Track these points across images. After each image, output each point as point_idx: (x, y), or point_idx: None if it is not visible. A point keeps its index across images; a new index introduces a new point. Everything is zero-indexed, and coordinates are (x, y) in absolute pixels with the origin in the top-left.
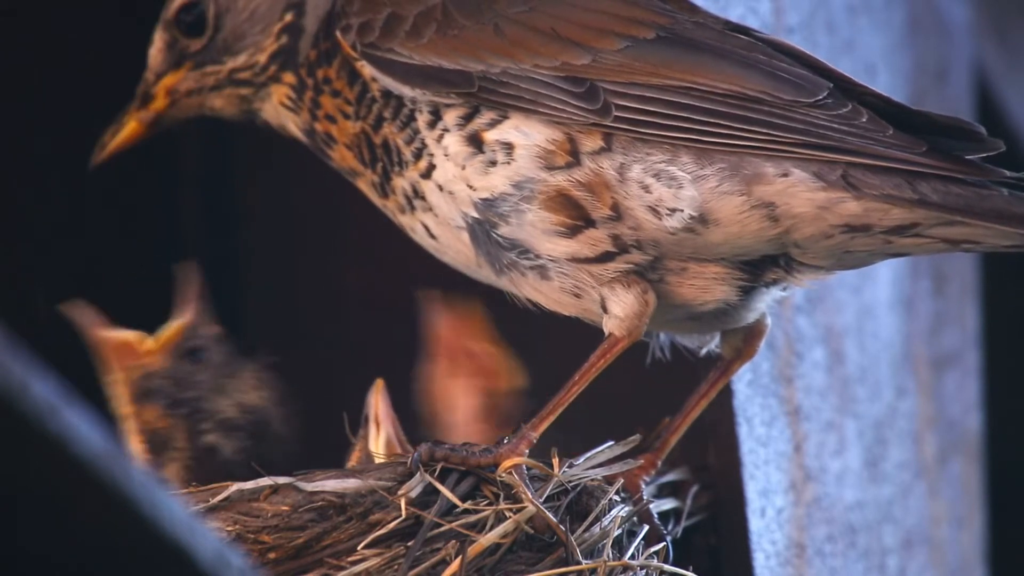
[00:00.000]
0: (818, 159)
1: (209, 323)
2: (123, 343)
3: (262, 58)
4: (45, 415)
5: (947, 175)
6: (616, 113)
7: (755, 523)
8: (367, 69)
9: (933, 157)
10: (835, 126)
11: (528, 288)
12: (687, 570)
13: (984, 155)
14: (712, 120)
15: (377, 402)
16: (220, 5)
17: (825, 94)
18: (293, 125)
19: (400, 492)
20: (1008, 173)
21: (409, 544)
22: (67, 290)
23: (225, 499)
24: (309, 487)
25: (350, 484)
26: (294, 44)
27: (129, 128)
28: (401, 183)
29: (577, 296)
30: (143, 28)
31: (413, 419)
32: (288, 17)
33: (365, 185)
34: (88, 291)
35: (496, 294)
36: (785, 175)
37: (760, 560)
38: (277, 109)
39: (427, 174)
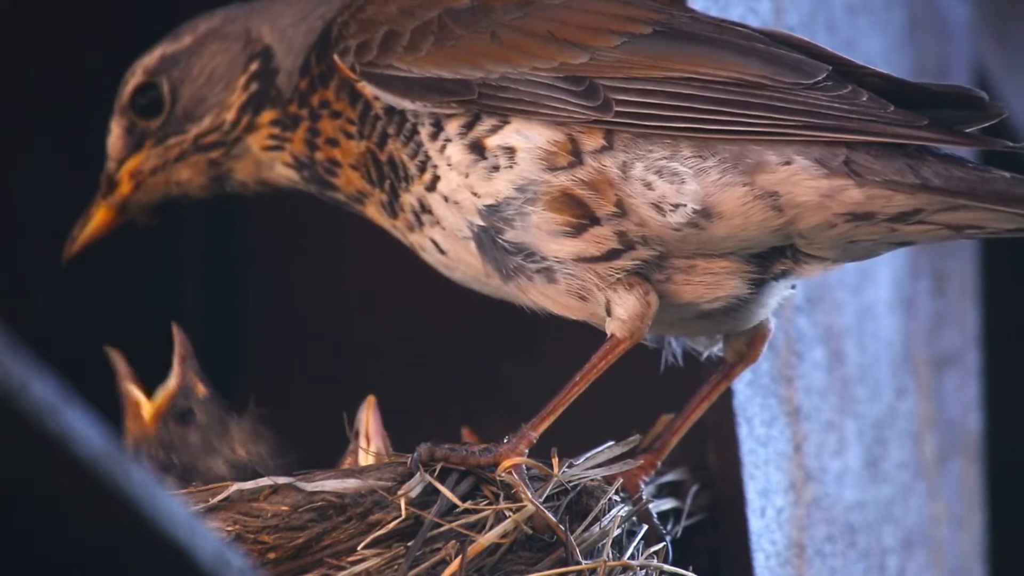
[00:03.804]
0: (821, 142)
1: (198, 384)
2: (134, 403)
3: (229, 115)
4: (45, 415)
5: (948, 142)
6: (617, 108)
7: (755, 523)
8: (368, 89)
9: (934, 130)
10: (836, 106)
11: (535, 292)
12: (687, 570)
13: (985, 125)
14: (714, 108)
15: (368, 418)
16: (174, 79)
17: (824, 76)
18: (281, 165)
19: (400, 492)
20: (1010, 144)
21: (409, 544)
22: (67, 290)
23: (225, 499)
24: (309, 487)
25: (350, 484)
26: (267, 88)
27: (98, 218)
28: (408, 199)
29: (583, 299)
30: (145, 27)
31: (409, 425)
32: (254, 66)
33: (374, 208)
34: (88, 292)
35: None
36: (787, 163)
37: (760, 560)
38: (259, 158)
39: (432, 186)
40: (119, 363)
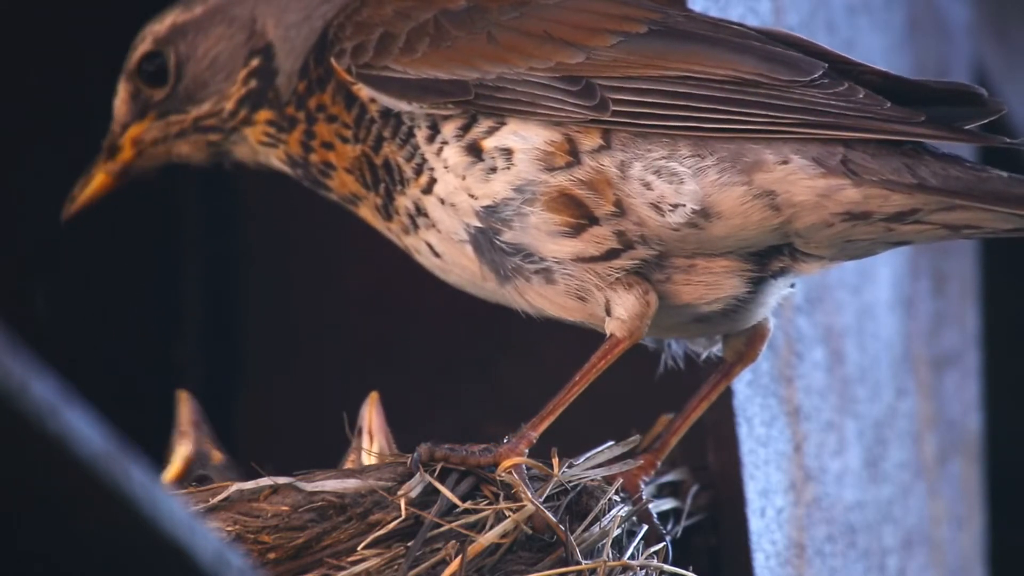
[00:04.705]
0: (817, 139)
1: (213, 449)
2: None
3: (228, 105)
4: (45, 415)
5: (946, 138)
6: (614, 108)
7: (755, 523)
8: (364, 91)
9: (931, 127)
10: (833, 103)
11: (533, 294)
12: (687, 570)
13: (984, 122)
14: (710, 107)
15: (371, 414)
16: (180, 54)
17: (820, 73)
18: (276, 160)
19: (400, 492)
20: (1007, 140)
21: (409, 544)
22: (67, 290)
23: (225, 499)
24: (309, 487)
25: (350, 484)
26: (265, 86)
27: (98, 181)
28: (404, 202)
29: (582, 299)
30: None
31: (408, 425)
32: (255, 62)
33: (368, 210)
34: (88, 292)
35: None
36: (785, 162)
37: (760, 560)
38: (255, 148)
39: (428, 189)
40: (185, 408)
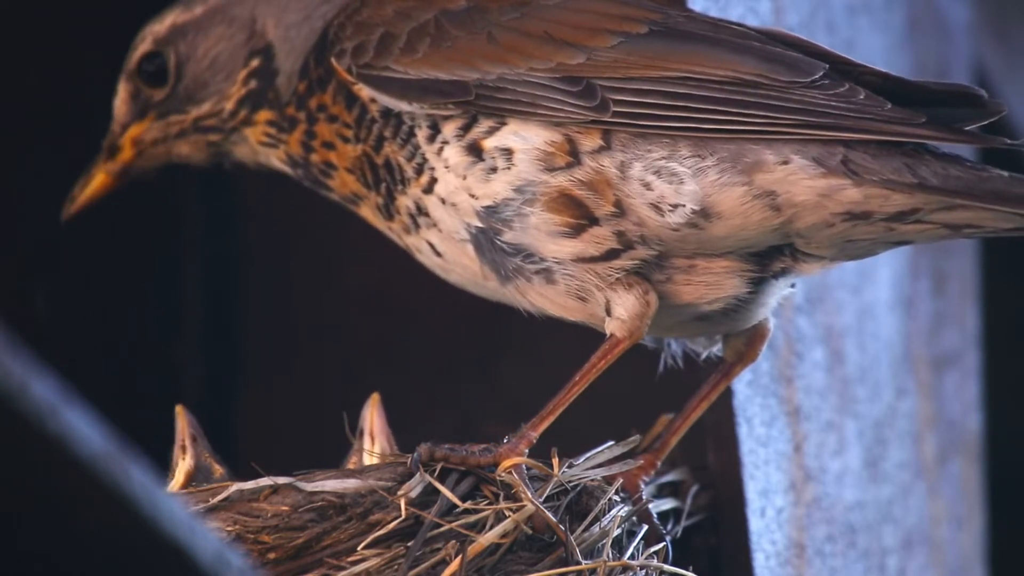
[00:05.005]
0: (818, 140)
1: (213, 463)
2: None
3: (228, 105)
4: (45, 415)
5: (946, 139)
6: (614, 108)
7: (755, 523)
8: (365, 91)
9: (931, 128)
10: (833, 104)
11: (534, 294)
12: (687, 570)
13: (984, 123)
14: (710, 107)
15: (372, 416)
16: (180, 54)
17: (821, 74)
18: (277, 160)
19: (400, 492)
20: (1007, 141)
21: (409, 544)
22: (67, 290)
23: (225, 499)
24: (309, 487)
25: (350, 484)
26: (266, 87)
27: (98, 181)
28: (405, 201)
29: (583, 299)
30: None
31: (410, 424)
32: (255, 63)
33: (369, 210)
34: (88, 292)
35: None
36: (785, 162)
37: (760, 560)
38: (255, 148)
39: (429, 189)
40: (183, 422)
